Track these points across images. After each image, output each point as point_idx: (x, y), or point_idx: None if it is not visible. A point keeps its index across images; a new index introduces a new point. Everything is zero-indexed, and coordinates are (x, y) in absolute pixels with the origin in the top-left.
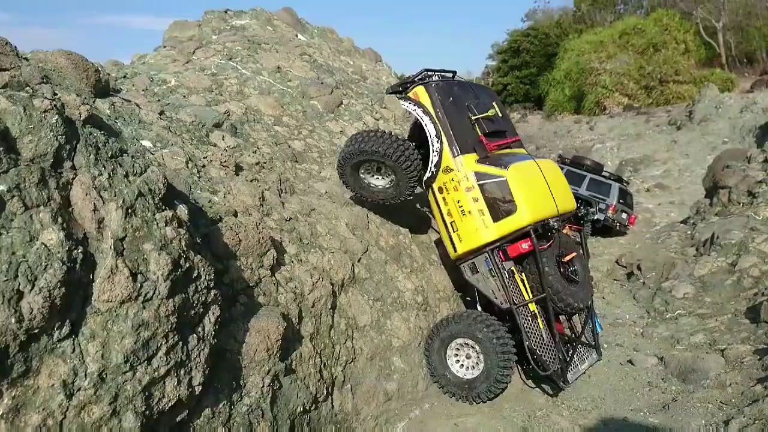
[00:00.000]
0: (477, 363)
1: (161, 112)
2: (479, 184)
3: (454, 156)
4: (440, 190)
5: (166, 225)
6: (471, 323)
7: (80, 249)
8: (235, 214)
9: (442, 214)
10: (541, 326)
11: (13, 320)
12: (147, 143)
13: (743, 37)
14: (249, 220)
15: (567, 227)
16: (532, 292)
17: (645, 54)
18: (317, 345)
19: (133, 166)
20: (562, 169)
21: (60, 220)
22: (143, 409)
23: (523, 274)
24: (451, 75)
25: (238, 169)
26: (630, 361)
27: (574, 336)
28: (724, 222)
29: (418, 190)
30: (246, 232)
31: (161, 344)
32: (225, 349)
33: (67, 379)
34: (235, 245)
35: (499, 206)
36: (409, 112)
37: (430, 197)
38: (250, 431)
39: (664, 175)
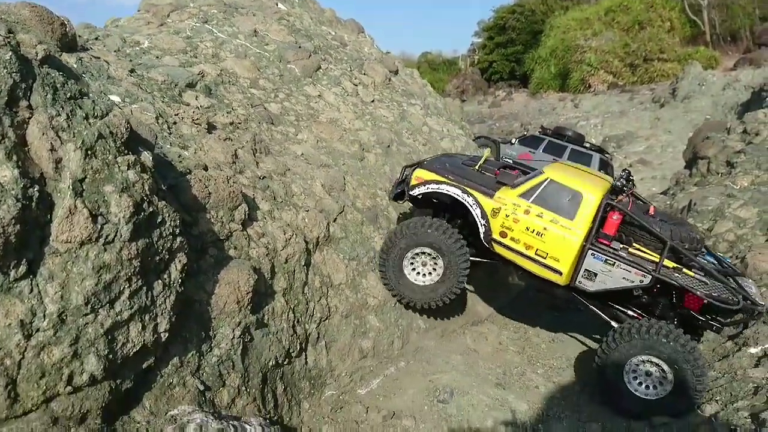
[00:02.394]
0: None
1: (132, 70)
2: (532, 201)
3: (491, 196)
4: (503, 234)
5: (128, 168)
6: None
7: (36, 188)
8: (206, 168)
9: (521, 253)
10: (693, 274)
11: None
12: (115, 98)
13: (728, 15)
14: (219, 174)
15: None
16: (655, 253)
17: (630, 31)
18: (290, 301)
19: (94, 108)
20: (543, 139)
21: (15, 157)
22: (106, 352)
23: (634, 244)
24: (423, 161)
25: (211, 127)
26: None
27: (721, 269)
28: (702, 191)
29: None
30: (216, 185)
31: (124, 288)
32: (194, 300)
33: (25, 319)
34: (204, 197)
35: (565, 204)
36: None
37: (500, 250)
38: (220, 382)
39: (647, 151)
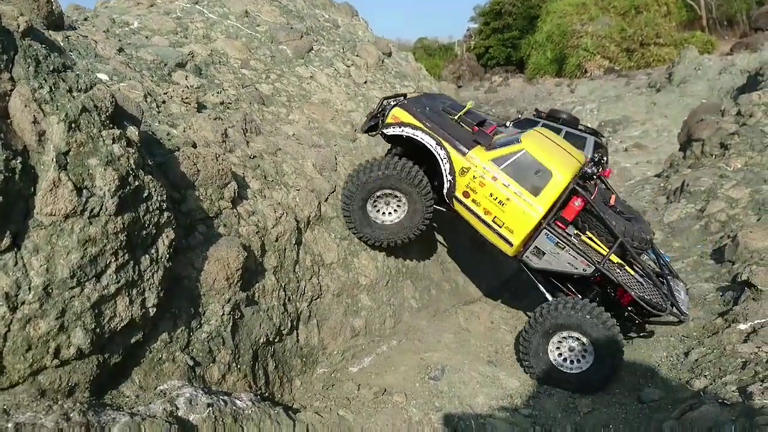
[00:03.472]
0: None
1: (120, 49)
2: (503, 168)
3: (464, 154)
4: (465, 194)
5: (113, 142)
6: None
7: (19, 159)
8: (194, 146)
9: (479, 216)
10: (633, 272)
11: None
12: (103, 76)
13: (724, 0)
14: (208, 151)
15: None
16: (605, 246)
17: (627, 16)
18: (281, 279)
19: (78, 81)
20: (537, 122)
21: None
22: (93, 326)
23: (587, 233)
24: (402, 95)
25: (201, 107)
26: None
27: (658, 270)
28: (696, 172)
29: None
30: (205, 162)
31: (110, 261)
32: (182, 276)
33: (10, 292)
34: (193, 175)
35: (533, 179)
36: (383, 115)
37: (459, 208)
38: (210, 358)
39: (642, 136)
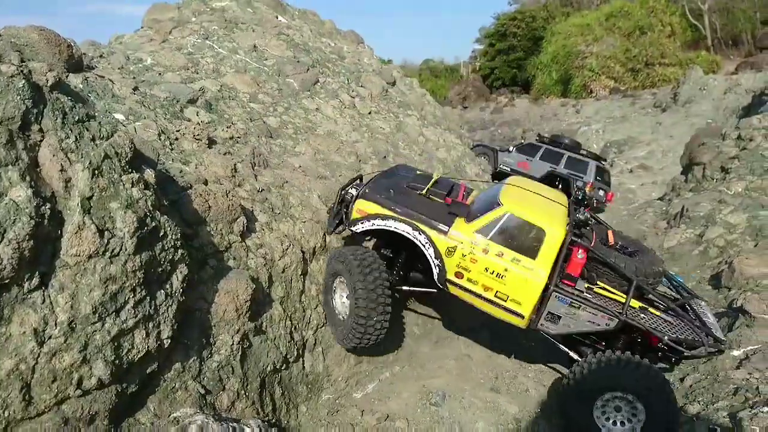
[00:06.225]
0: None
1: (135, 88)
2: (491, 238)
3: (446, 233)
4: (458, 275)
5: (132, 186)
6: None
7: (48, 206)
8: (206, 183)
9: (479, 295)
10: (658, 313)
11: None
12: (120, 116)
13: (729, 20)
14: (219, 188)
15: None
16: (620, 292)
17: (631, 37)
18: (288, 308)
19: (100, 130)
20: (540, 147)
21: (28, 178)
22: (113, 358)
23: (598, 282)
24: (358, 179)
25: (212, 142)
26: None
27: (678, 298)
28: (696, 197)
29: None
30: (215, 198)
31: (129, 298)
32: (195, 309)
33: (38, 328)
34: (204, 211)
35: (527, 241)
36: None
37: (455, 291)
38: (220, 386)
39: (648, 156)
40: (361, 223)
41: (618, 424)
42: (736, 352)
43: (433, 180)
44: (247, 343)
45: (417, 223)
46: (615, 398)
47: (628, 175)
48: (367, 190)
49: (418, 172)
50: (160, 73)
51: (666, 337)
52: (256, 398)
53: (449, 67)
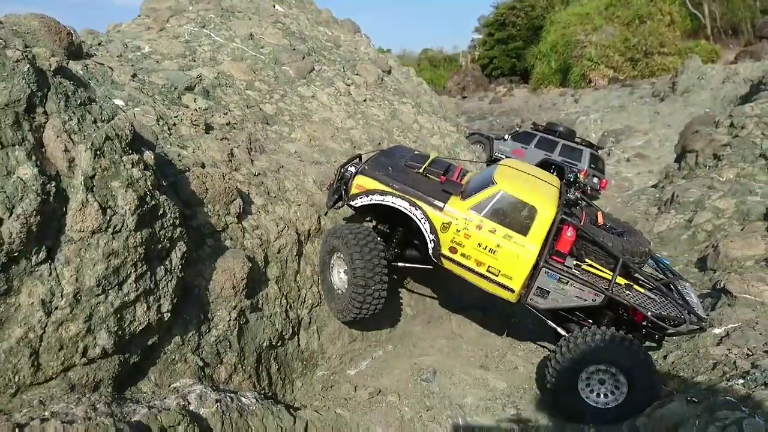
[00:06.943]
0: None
1: (134, 75)
2: (484, 214)
3: (441, 209)
4: (452, 250)
5: (132, 166)
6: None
7: (53, 184)
8: (203, 166)
9: (472, 269)
10: (643, 291)
11: None
12: (119, 102)
13: (728, 9)
14: (215, 171)
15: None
16: (607, 269)
17: (631, 26)
18: (283, 288)
19: (101, 113)
20: (535, 135)
21: (34, 157)
22: (116, 329)
23: (586, 260)
24: (357, 157)
25: (209, 128)
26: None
27: (664, 278)
28: (687, 183)
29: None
30: (212, 181)
31: (131, 272)
32: (193, 285)
33: (45, 299)
34: (202, 193)
35: (519, 218)
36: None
37: (448, 265)
38: (218, 359)
39: (645, 146)
40: (360, 198)
41: (602, 395)
42: (717, 330)
43: (430, 159)
44: (244, 320)
45: (414, 199)
46: (599, 371)
47: (626, 164)
48: (366, 167)
49: (416, 152)
50: (157, 61)
51: (650, 313)
52: (252, 372)
53: (448, 57)
